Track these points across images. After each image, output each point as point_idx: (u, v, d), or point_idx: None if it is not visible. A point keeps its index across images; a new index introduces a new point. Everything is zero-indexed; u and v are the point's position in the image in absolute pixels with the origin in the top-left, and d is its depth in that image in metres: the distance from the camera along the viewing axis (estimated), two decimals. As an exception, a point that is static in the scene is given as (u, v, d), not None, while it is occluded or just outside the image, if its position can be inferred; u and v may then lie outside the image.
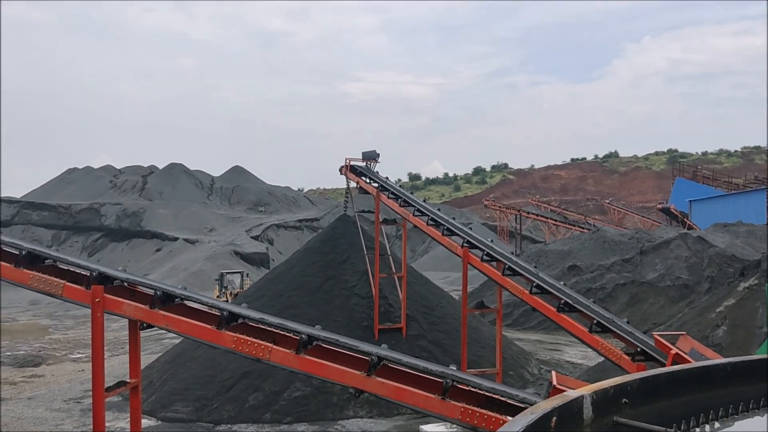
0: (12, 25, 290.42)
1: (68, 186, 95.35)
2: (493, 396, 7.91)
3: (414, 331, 22.76)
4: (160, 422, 19.20)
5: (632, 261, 37.34)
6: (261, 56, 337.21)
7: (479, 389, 7.91)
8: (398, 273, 23.49)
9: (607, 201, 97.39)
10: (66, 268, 9.82)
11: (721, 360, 2.65)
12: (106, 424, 9.70)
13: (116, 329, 31.00)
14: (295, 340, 8.59)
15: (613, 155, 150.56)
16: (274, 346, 8.66)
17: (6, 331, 36.36)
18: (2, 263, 9.52)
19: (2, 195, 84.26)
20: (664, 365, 11.02)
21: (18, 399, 21.67)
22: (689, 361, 9.65)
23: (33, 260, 9.67)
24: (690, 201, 59.76)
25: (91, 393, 9.94)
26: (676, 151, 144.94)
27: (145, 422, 18.02)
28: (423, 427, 17.75)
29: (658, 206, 72.65)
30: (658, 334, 11.54)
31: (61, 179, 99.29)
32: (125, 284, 9.54)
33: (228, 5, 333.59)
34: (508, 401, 7.78)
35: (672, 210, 65.43)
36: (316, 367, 8.47)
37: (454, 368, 8.18)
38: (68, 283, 9.41)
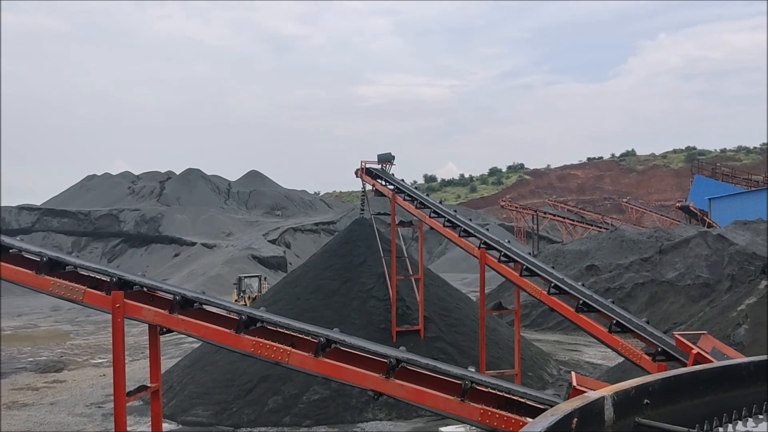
0: (27, 33, 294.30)
1: (87, 193, 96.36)
2: (513, 397, 7.87)
3: (432, 333, 22.71)
4: (180, 426, 19.34)
5: (651, 260, 37.03)
6: (274, 60, 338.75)
7: (498, 391, 7.88)
8: (415, 275, 23.45)
9: (624, 200, 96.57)
10: (86, 274, 9.91)
11: (743, 359, 2.63)
12: (128, 429, 9.78)
13: (136, 334, 31.30)
14: (314, 343, 8.62)
15: (630, 154, 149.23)
16: (293, 350, 8.69)
17: (28, 337, 36.82)
18: (25, 270, 9.65)
19: (23, 203, 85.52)
20: (685, 365, 10.91)
21: (40, 404, 21.91)
22: (711, 361, 9.54)
23: (54, 267, 9.78)
24: (709, 199, 59.16)
25: (112, 397, 10.03)
26: (694, 148, 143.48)
27: (166, 426, 18.15)
28: (442, 429, 17.75)
29: (677, 204, 72.01)
30: (678, 334, 11.42)
31: (80, 186, 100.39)
32: (144, 289, 9.62)
33: (241, 10, 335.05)
34: (528, 402, 7.74)
35: (691, 208, 64.84)
36: (334, 370, 8.48)
37: (473, 370, 8.16)
38: (89, 289, 9.50)
